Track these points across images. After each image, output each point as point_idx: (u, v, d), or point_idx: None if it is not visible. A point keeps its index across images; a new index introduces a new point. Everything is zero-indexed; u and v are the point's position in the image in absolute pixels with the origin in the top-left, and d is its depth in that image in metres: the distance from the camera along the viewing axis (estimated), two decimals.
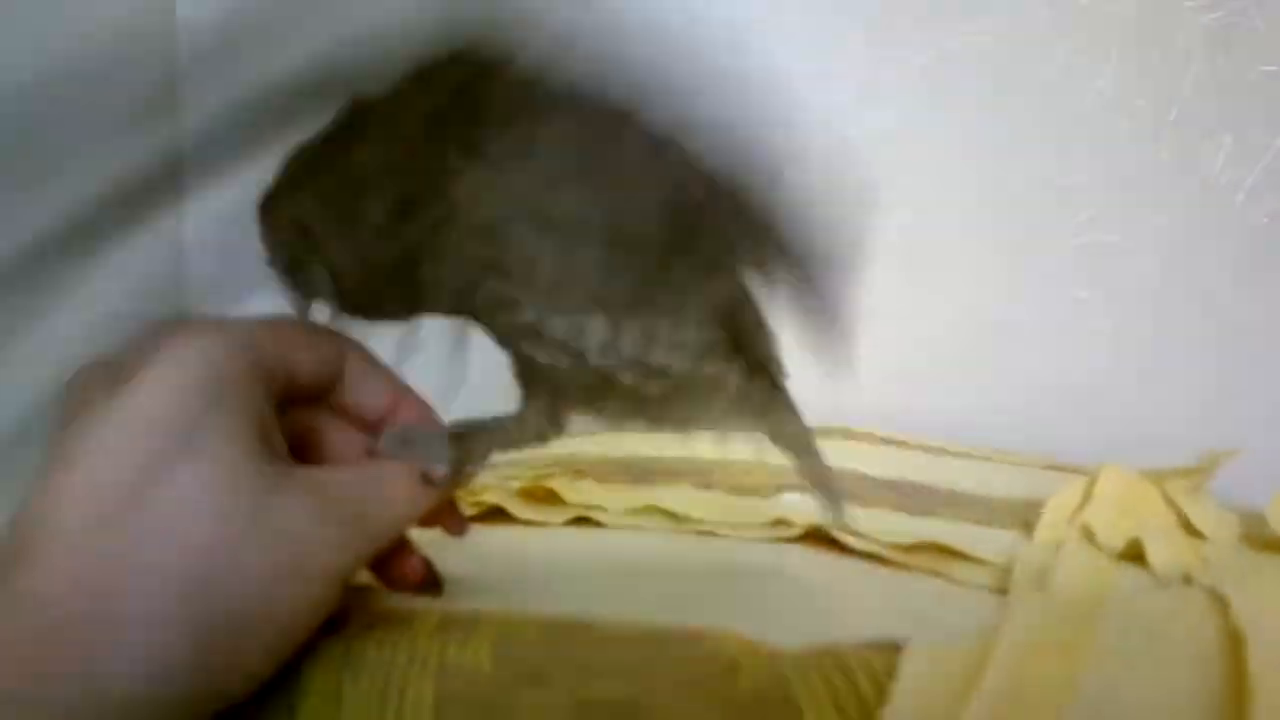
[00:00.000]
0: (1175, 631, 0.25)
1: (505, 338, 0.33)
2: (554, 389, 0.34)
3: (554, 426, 0.35)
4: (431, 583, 0.35)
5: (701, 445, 0.69)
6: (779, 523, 0.45)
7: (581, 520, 0.46)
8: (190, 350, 0.27)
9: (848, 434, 0.75)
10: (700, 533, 0.46)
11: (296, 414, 0.32)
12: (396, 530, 0.31)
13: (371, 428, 0.34)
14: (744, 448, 0.69)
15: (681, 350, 0.33)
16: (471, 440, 0.33)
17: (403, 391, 0.34)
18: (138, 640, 0.24)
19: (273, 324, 0.31)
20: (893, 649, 0.25)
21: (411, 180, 0.31)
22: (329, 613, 0.29)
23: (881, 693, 0.24)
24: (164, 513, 0.25)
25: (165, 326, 0.29)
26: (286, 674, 0.30)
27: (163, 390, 0.26)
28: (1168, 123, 0.84)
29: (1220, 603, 0.26)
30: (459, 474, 0.33)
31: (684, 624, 0.30)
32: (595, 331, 0.31)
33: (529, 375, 0.35)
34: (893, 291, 0.89)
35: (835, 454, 0.66)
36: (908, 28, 0.89)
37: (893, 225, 0.90)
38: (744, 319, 0.36)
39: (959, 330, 0.88)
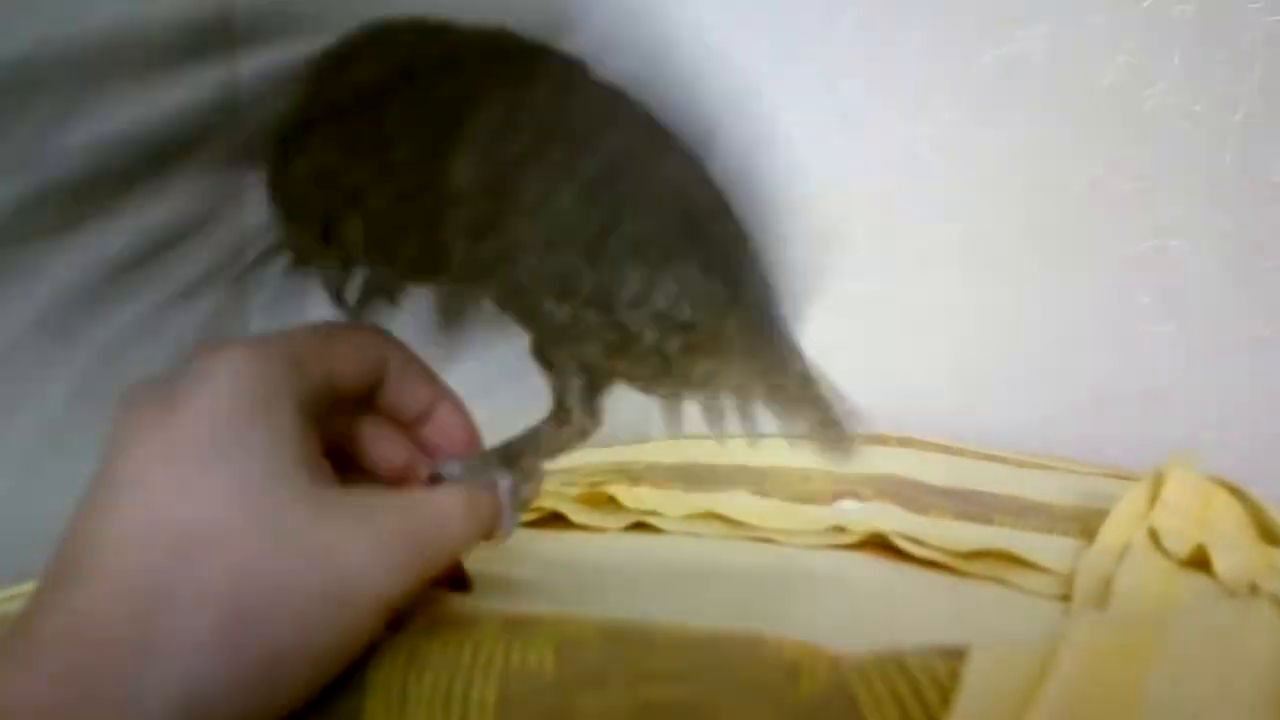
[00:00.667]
0: (1242, 641, 0.25)
1: (529, 302, 0.32)
2: (580, 365, 0.34)
3: (591, 417, 0.35)
4: (460, 582, 0.35)
5: (759, 452, 0.69)
6: (837, 529, 0.45)
7: (639, 526, 0.47)
8: (228, 372, 0.27)
9: (906, 442, 0.75)
10: (757, 539, 0.46)
11: (339, 419, 0.33)
12: (448, 558, 0.31)
13: (411, 426, 0.34)
14: (801, 455, 0.69)
15: (706, 303, 0.32)
16: (522, 457, 0.34)
17: (441, 390, 0.34)
18: (176, 664, 0.24)
19: (314, 332, 0.31)
20: (956, 655, 0.25)
21: (430, 117, 0.30)
22: (372, 640, 0.28)
23: (945, 698, 0.24)
24: (208, 538, 0.25)
25: (208, 347, 0.29)
26: (351, 673, 0.31)
27: (209, 416, 0.27)
28: (1232, 125, 0.82)
29: None
30: (518, 488, 0.33)
31: (743, 629, 0.30)
32: (632, 282, 0.31)
33: (552, 350, 0.34)
34: (953, 297, 0.89)
35: (895, 462, 0.66)
36: (965, 33, 0.88)
37: (952, 231, 0.89)
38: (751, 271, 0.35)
39: (1019, 336, 0.87)
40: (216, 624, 0.24)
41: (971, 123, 0.89)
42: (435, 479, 0.33)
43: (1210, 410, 0.82)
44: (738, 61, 0.93)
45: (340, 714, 0.29)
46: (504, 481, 0.33)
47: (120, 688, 0.23)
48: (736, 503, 0.48)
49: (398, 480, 0.34)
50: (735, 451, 0.70)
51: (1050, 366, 0.86)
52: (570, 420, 0.35)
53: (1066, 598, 0.38)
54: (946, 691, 0.24)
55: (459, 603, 0.35)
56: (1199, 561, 0.40)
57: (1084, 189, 0.85)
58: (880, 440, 0.76)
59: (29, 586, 0.27)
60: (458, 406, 0.35)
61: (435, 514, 0.30)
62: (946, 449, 0.74)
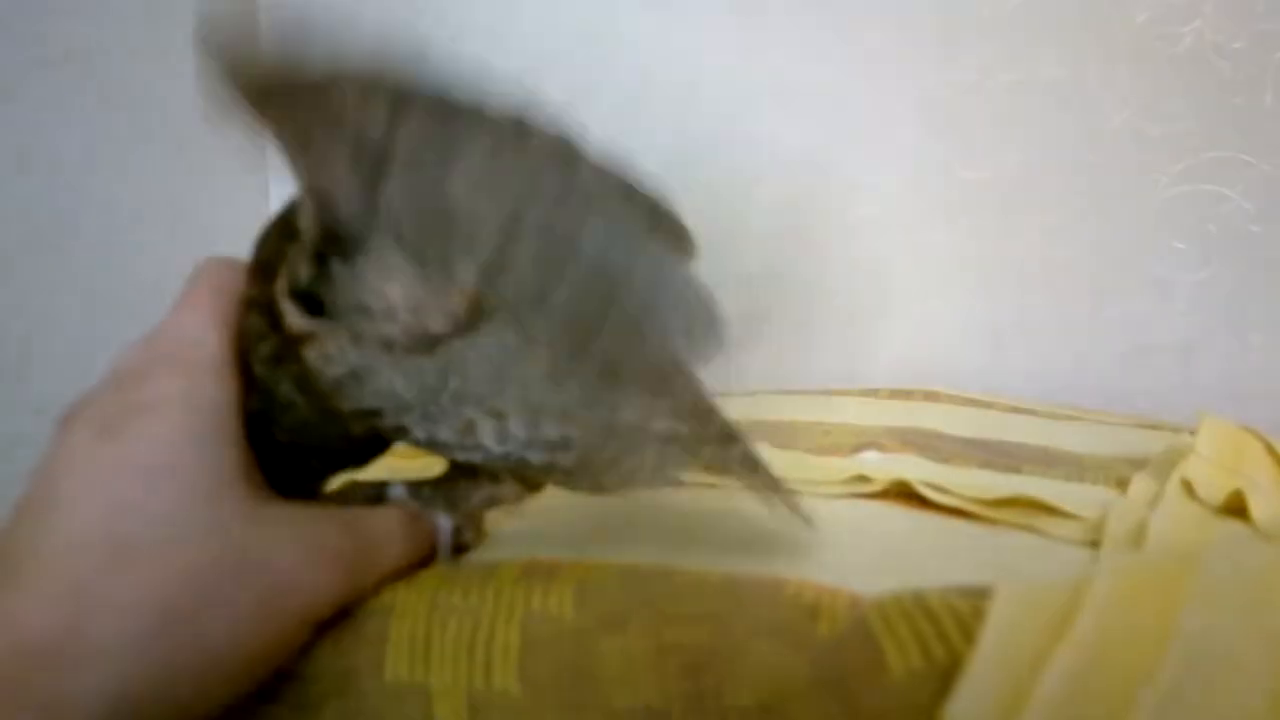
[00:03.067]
0: (1276, 579, 0.24)
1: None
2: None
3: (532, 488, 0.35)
4: (461, 548, 0.36)
5: (777, 408, 0.68)
6: (859, 479, 0.45)
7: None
8: (175, 390, 0.29)
9: (932, 396, 0.74)
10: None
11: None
12: (380, 576, 0.31)
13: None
14: (821, 409, 0.69)
15: (574, 420, 0.31)
16: (468, 503, 0.34)
17: None
18: (108, 668, 0.24)
19: None
20: (979, 594, 0.25)
21: None
22: (298, 648, 0.29)
23: (968, 636, 0.23)
24: (146, 546, 0.26)
25: (153, 361, 0.30)
26: (375, 623, 0.31)
27: (152, 440, 0.28)
28: (1272, 63, 0.79)
29: None
30: (458, 530, 0.34)
31: (763, 573, 0.30)
32: (485, 429, 0.31)
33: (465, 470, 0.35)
34: (984, 247, 0.88)
35: (916, 415, 0.66)
36: None
37: (979, 179, 0.88)
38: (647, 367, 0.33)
39: (1050, 286, 0.86)
40: (149, 629, 0.25)
41: (999, 67, 0.86)
42: (379, 499, 0.33)
43: (1245, 359, 0.80)
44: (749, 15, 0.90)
45: (364, 665, 0.29)
46: (445, 523, 0.33)
47: (50, 689, 0.24)
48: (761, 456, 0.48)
49: (340, 498, 0.35)
50: (754, 407, 0.69)
51: (1081, 316, 0.85)
52: (515, 486, 0.35)
53: (1096, 544, 0.37)
54: (970, 628, 0.23)
55: (479, 551, 0.35)
56: (1234, 508, 0.39)
57: (1116, 133, 0.83)
58: (905, 395, 0.75)
59: None
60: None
61: (372, 532, 0.31)
62: (973, 402, 0.73)
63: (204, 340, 0.31)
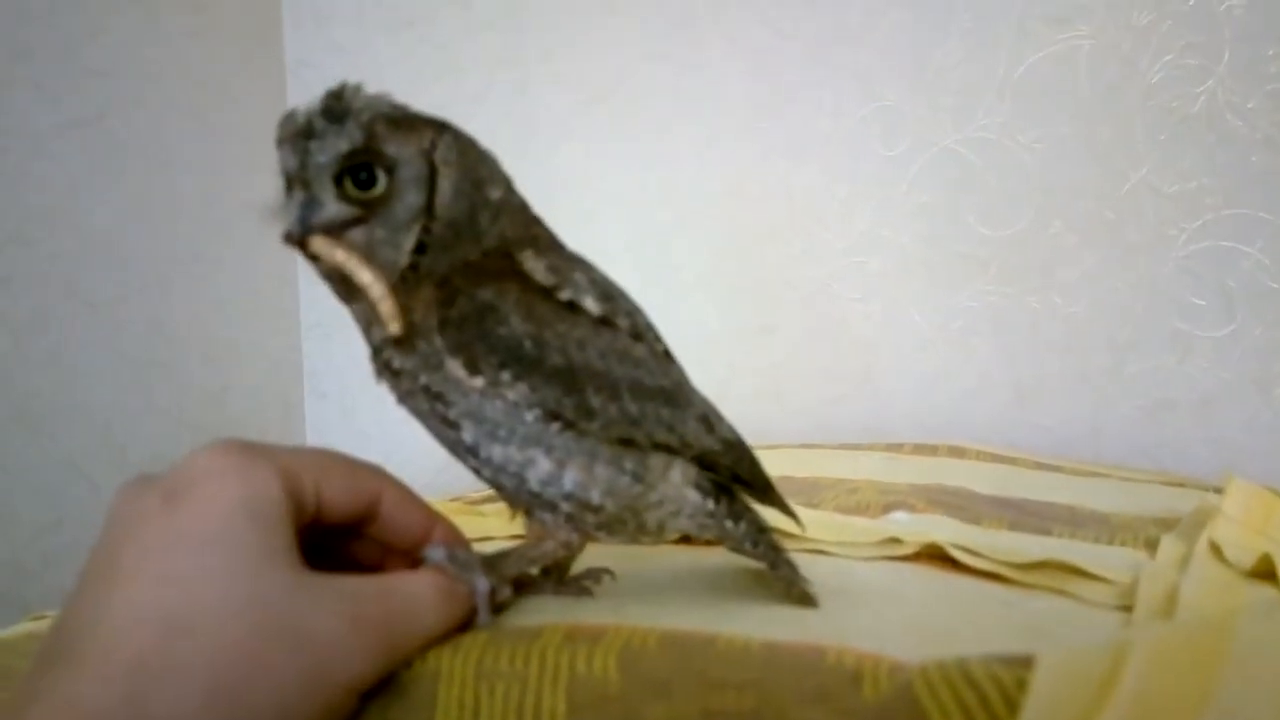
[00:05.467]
0: None
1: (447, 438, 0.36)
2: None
3: (575, 534, 0.37)
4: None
5: (804, 463, 0.69)
6: (891, 541, 0.45)
7: (687, 539, 0.47)
8: (233, 471, 0.30)
9: (957, 451, 0.74)
10: (810, 550, 0.46)
11: (338, 542, 0.35)
12: (422, 641, 0.32)
13: (407, 554, 0.36)
14: (847, 465, 0.69)
15: (614, 496, 0.36)
16: (502, 563, 0.36)
17: (435, 516, 0.36)
18: None
19: (310, 454, 0.33)
20: (1020, 663, 0.25)
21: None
22: (345, 716, 0.30)
23: (1011, 705, 0.24)
24: (198, 620, 0.27)
25: (210, 447, 0.31)
26: (422, 689, 0.31)
27: (207, 507, 0.29)
28: None
29: None
30: (495, 592, 0.35)
31: (804, 639, 0.30)
32: (540, 468, 0.35)
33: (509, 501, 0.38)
34: (1002, 302, 0.89)
35: (945, 472, 0.66)
36: (1006, 35, 0.88)
37: (998, 236, 0.89)
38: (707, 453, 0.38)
39: (1071, 342, 0.86)
40: (201, 703, 0.26)
41: (1016, 125, 0.88)
42: (419, 562, 0.34)
43: (1267, 414, 0.81)
44: (772, 67, 0.93)
45: None
46: (481, 584, 0.34)
47: None
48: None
49: (377, 568, 0.36)
50: (779, 462, 0.70)
51: (1102, 371, 0.85)
52: (554, 536, 0.37)
53: (1128, 608, 0.37)
54: (1013, 698, 0.24)
55: (521, 615, 0.36)
56: (1263, 572, 0.40)
57: (1133, 190, 0.84)
58: (930, 450, 0.76)
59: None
60: (452, 528, 0.37)
61: (410, 597, 0.32)
62: (998, 458, 0.74)
63: (266, 450, 0.32)
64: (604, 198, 1.03)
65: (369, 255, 0.34)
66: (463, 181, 0.35)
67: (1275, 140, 0.81)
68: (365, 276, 0.33)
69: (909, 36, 0.92)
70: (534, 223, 0.38)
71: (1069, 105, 0.87)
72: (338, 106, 0.34)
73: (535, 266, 0.35)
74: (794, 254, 0.96)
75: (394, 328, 0.34)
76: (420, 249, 0.34)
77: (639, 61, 1.02)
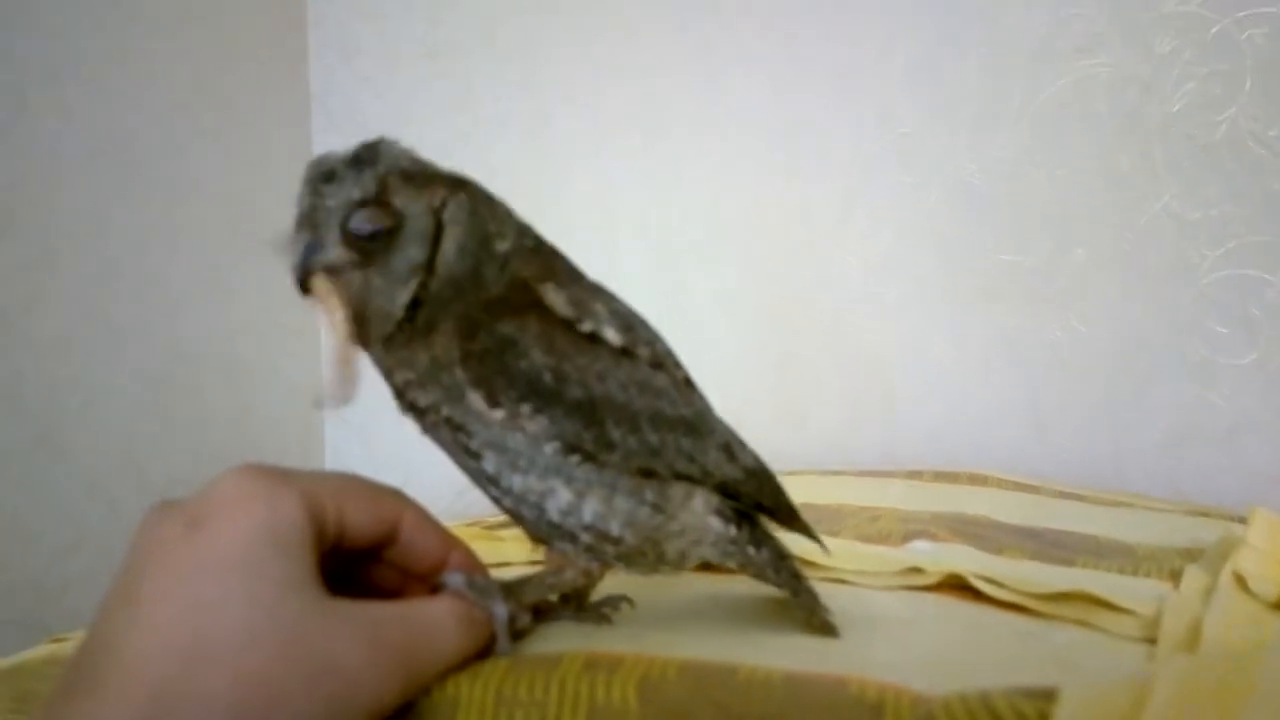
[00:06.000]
0: None
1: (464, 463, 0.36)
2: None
3: (594, 563, 0.37)
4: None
5: (824, 490, 0.69)
6: (913, 571, 0.45)
7: (708, 567, 0.47)
8: (256, 497, 0.30)
9: (979, 480, 0.74)
10: (831, 579, 0.46)
11: (357, 567, 0.35)
12: (441, 668, 0.32)
13: (425, 579, 0.36)
14: (868, 492, 0.69)
15: (634, 527, 0.36)
16: (521, 590, 0.36)
17: (453, 540, 0.37)
18: None
19: (332, 479, 0.34)
20: (1043, 695, 0.25)
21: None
22: None
23: None
24: (220, 647, 0.27)
25: (233, 472, 0.31)
26: (440, 717, 0.31)
27: (230, 533, 0.29)
28: None
29: None
30: (513, 618, 0.35)
31: (825, 670, 0.30)
32: (559, 498, 0.35)
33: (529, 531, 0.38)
34: (1022, 330, 0.88)
35: (964, 500, 0.66)
36: (1025, 63, 0.88)
37: (1017, 263, 0.89)
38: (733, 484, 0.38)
39: (1093, 370, 0.86)
40: None
41: (1034, 152, 0.88)
42: (438, 588, 0.35)
43: None
44: (790, 95, 0.94)
45: None
46: (500, 611, 0.34)
47: None
48: (810, 543, 0.48)
49: (396, 593, 0.36)
50: (800, 488, 0.70)
51: (1124, 400, 0.85)
52: (572, 570, 0.37)
53: (1152, 640, 0.37)
54: None
55: (541, 642, 0.36)
56: None
57: (1155, 218, 0.84)
58: (951, 478, 0.76)
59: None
60: (470, 553, 0.37)
61: (429, 624, 0.32)
62: (1020, 486, 0.73)
63: (288, 475, 0.32)
64: (623, 225, 1.03)
65: (364, 302, 0.34)
66: (468, 240, 0.35)
67: None
68: (339, 330, 0.34)
69: (927, 64, 0.92)
70: (553, 256, 0.38)
71: (1089, 133, 0.87)
72: (366, 156, 0.34)
73: (556, 299, 0.36)
74: (813, 280, 0.96)
75: (331, 397, 0.34)
76: (415, 303, 0.34)
77: (658, 90, 1.02)
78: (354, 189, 0.34)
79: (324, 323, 0.35)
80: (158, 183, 0.96)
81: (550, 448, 0.34)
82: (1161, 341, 0.84)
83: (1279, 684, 0.25)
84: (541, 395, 0.34)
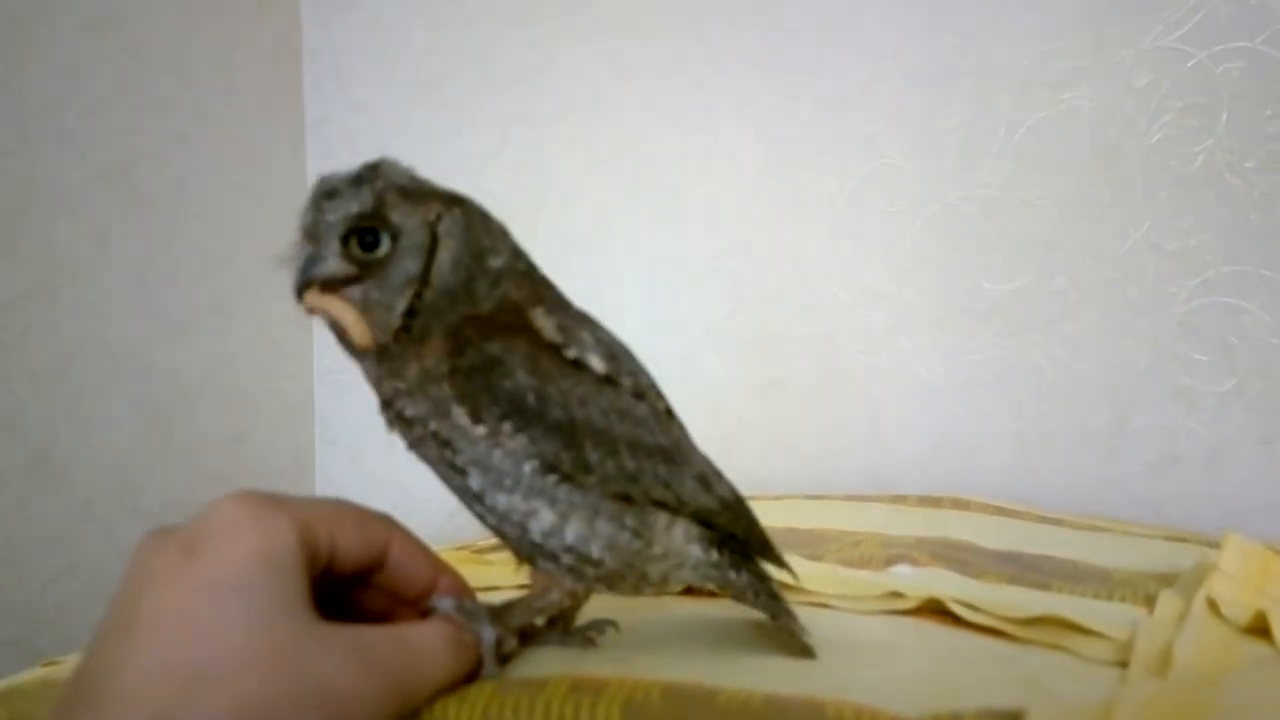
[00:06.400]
0: None
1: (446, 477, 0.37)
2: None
3: (579, 584, 0.38)
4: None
5: (806, 515, 0.70)
6: (893, 595, 0.46)
7: (691, 591, 0.48)
8: (250, 523, 0.31)
9: (960, 504, 0.75)
10: (812, 603, 0.46)
11: (347, 591, 0.36)
12: (431, 690, 0.33)
13: (414, 603, 0.37)
14: (851, 517, 0.70)
15: (615, 550, 0.37)
16: (508, 614, 0.37)
17: (441, 565, 0.38)
18: None
19: (324, 504, 0.34)
20: (1012, 716, 0.26)
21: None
22: None
23: None
24: (218, 668, 0.28)
25: (228, 499, 0.32)
26: None
27: (226, 558, 0.30)
28: None
29: None
30: (500, 642, 0.36)
31: (803, 693, 0.31)
32: (542, 519, 0.36)
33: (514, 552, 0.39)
34: (1006, 356, 0.90)
35: (946, 525, 0.67)
36: (1008, 96, 0.90)
37: (1002, 290, 0.90)
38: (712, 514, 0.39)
39: (1075, 395, 0.87)
40: None
41: (1018, 183, 0.90)
42: (427, 612, 0.36)
43: (1271, 469, 0.81)
44: (779, 128, 0.96)
45: None
46: (487, 634, 0.35)
47: None
48: (794, 567, 0.49)
49: (385, 617, 0.37)
50: (783, 513, 0.71)
51: (1106, 426, 0.86)
52: (557, 592, 0.38)
53: (1124, 664, 0.38)
54: None
55: (527, 665, 0.36)
56: (1258, 629, 0.40)
57: (1134, 247, 0.86)
58: (934, 503, 0.77)
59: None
60: (458, 578, 0.38)
61: (419, 647, 0.33)
62: (1002, 511, 0.74)
63: (281, 501, 0.33)
64: (615, 254, 1.05)
65: (363, 311, 0.35)
66: (462, 254, 0.36)
67: (1273, 198, 0.82)
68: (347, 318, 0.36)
69: (912, 98, 0.94)
70: (542, 284, 0.39)
71: (1070, 164, 0.89)
72: (367, 175, 0.36)
73: (545, 324, 0.37)
74: (800, 309, 0.98)
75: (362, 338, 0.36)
76: (411, 312, 0.35)
77: (650, 123, 1.04)
78: (353, 204, 0.35)
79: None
80: (156, 211, 0.97)
81: (529, 466, 0.36)
82: (1143, 368, 0.85)
83: (1241, 705, 0.26)
84: (523, 414, 0.35)
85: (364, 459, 1.17)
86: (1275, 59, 0.81)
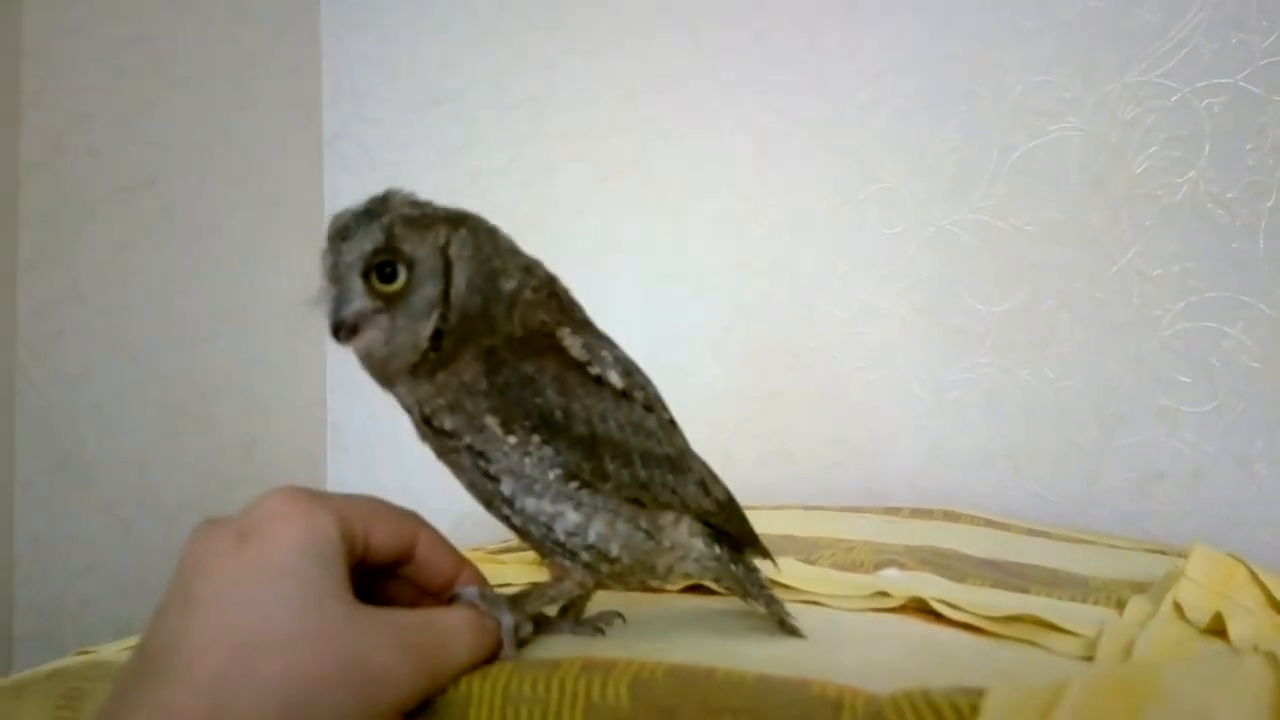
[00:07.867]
0: (1230, 683, 0.28)
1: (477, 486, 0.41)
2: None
3: (589, 575, 0.41)
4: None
5: (805, 523, 0.73)
6: (880, 594, 0.49)
7: (692, 587, 0.51)
8: (297, 514, 0.35)
9: (951, 516, 0.78)
10: (806, 601, 0.50)
11: (377, 581, 0.39)
12: (458, 670, 0.37)
13: (437, 594, 0.40)
14: (846, 526, 0.73)
15: (630, 549, 0.41)
16: (525, 601, 0.40)
17: (463, 560, 0.41)
18: None
19: (360, 501, 0.38)
20: (976, 693, 0.29)
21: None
22: None
23: None
24: (272, 642, 0.31)
25: (276, 493, 0.36)
26: (455, 712, 0.35)
27: (279, 545, 0.33)
28: (1263, 211, 0.85)
29: (1275, 662, 0.29)
30: (518, 627, 0.39)
31: (792, 673, 0.34)
32: (566, 520, 0.40)
33: (535, 548, 0.42)
34: (996, 376, 0.93)
35: (936, 534, 0.70)
36: (999, 125, 0.94)
37: (992, 312, 0.94)
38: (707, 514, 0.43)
39: (1062, 414, 0.91)
40: (273, 717, 0.30)
41: (1008, 209, 0.94)
42: (453, 599, 0.39)
43: (1250, 487, 0.84)
44: (779, 150, 1.00)
45: None
46: (506, 620, 0.39)
47: None
48: (789, 570, 0.52)
49: (410, 606, 0.40)
50: (782, 522, 0.74)
51: (1092, 444, 0.89)
52: (571, 581, 0.42)
53: (1090, 658, 0.41)
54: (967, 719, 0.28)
55: (542, 649, 0.40)
56: (1217, 629, 0.43)
57: (1120, 272, 0.89)
58: (926, 514, 0.80)
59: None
60: (477, 572, 0.41)
61: (448, 630, 0.37)
62: (991, 523, 0.77)
63: (323, 497, 0.36)
64: (620, 267, 1.08)
65: (392, 338, 0.38)
66: (476, 274, 0.39)
67: (1254, 227, 0.86)
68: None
69: (908, 123, 0.98)
70: (568, 304, 0.42)
71: (1060, 191, 0.92)
72: (375, 209, 0.39)
73: (572, 343, 0.40)
74: (799, 324, 1.01)
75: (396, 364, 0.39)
76: (437, 335, 0.38)
77: (654, 143, 1.08)
78: (365, 241, 0.38)
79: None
80: (179, 222, 1.01)
81: (553, 474, 0.39)
82: (1128, 389, 0.89)
83: (1179, 683, 0.29)
84: (551, 428, 0.39)
85: (375, 465, 1.20)
86: (1255, 95, 0.85)
